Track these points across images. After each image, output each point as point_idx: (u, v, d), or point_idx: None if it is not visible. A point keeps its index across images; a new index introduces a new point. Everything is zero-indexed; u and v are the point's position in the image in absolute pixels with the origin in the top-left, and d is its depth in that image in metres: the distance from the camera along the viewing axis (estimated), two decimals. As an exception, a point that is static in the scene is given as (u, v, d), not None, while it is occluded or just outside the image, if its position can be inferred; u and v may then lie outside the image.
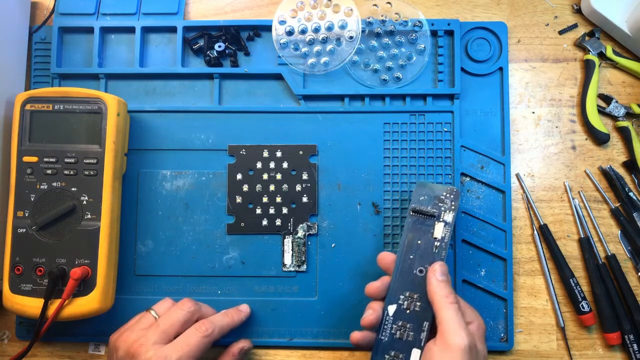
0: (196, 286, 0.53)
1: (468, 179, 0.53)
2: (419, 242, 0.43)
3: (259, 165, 0.53)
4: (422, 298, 0.42)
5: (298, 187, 0.53)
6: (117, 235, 0.51)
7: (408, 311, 0.42)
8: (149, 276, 0.53)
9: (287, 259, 0.52)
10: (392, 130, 0.54)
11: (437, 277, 0.42)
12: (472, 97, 0.54)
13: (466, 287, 0.52)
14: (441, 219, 0.43)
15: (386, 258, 0.45)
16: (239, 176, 0.53)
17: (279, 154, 0.53)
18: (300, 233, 0.53)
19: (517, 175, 0.54)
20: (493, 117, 0.54)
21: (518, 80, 0.56)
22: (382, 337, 0.42)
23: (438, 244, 0.42)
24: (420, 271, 0.42)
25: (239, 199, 0.53)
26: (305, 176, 0.53)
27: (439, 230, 0.42)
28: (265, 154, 0.53)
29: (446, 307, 0.40)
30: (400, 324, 0.42)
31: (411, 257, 0.43)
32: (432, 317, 0.41)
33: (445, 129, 0.53)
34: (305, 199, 0.53)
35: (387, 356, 0.42)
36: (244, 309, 0.50)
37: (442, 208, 0.43)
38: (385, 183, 0.53)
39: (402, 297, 0.42)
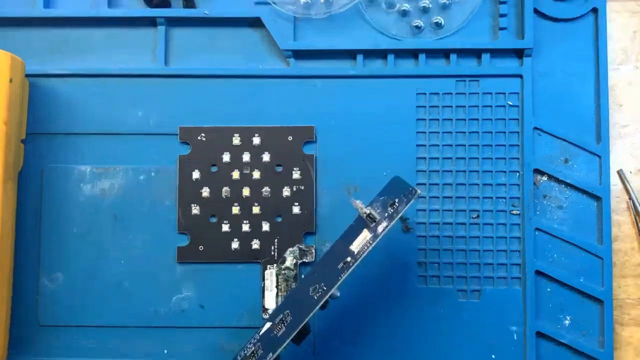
0: (130, 343, 0.43)
1: (545, 178, 0.44)
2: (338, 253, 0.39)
3: (225, 157, 0.44)
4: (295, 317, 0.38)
5: (286, 192, 0.44)
6: (10, 264, 0.43)
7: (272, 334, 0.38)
8: (59, 327, 0.44)
9: (270, 301, 0.43)
10: (430, 105, 0.44)
11: None
12: (551, 54, 0.45)
13: (542, 343, 0.42)
14: (370, 228, 0.38)
15: None
16: (195, 174, 0.44)
17: (256, 140, 0.44)
18: (290, 261, 0.44)
19: (620, 173, 0.45)
20: (583, 84, 0.45)
21: (621, 27, 0.46)
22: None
23: (349, 260, 0.37)
24: (315, 290, 0.38)
25: (195, 210, 0.44)
26: (296, 174, 0.44)
27: (357, 243, 0.37)
28: (236, 140, 0.44)
29: None
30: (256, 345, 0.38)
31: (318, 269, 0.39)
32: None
33: (510, 103, 0.44)
34: (296, 210, 0.44)
35: None
36: None
37: (385, 214, 0.38)
38: (420, 185, 0.43)
39: (280, 316, 0.39)
